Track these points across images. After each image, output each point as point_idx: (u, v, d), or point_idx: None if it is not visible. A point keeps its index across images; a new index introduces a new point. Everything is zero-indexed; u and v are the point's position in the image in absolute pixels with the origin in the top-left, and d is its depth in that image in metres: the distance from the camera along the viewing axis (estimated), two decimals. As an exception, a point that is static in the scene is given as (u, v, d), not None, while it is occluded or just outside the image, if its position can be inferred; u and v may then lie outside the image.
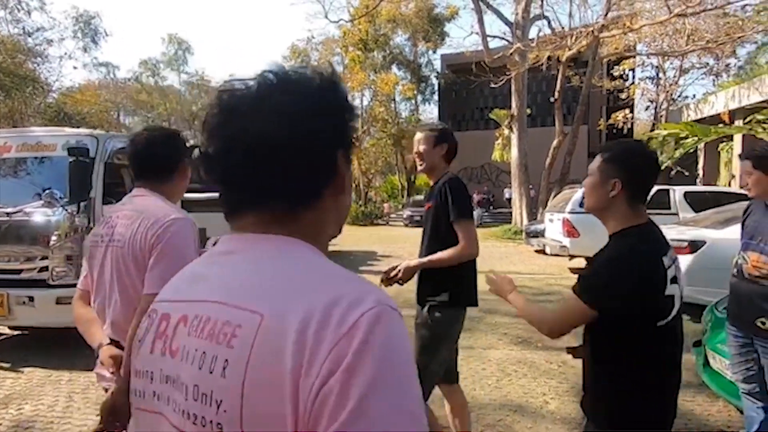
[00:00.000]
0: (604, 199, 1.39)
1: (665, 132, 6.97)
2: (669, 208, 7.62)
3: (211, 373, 0.52)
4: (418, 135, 2.20)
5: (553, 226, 8.62)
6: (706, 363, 3.28)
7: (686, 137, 6.81)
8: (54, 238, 4.42)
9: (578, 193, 8.00)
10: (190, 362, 0.55)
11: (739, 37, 16.28)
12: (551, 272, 8.50)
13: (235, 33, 71.10)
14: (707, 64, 26.41)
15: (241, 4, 67.96)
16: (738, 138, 15.82)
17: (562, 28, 13.52)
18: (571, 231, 7.75)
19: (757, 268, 2.24)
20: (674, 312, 1.37)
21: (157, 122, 31.89)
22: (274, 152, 0.56)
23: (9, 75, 16.95)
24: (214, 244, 0.67)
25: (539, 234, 10.59)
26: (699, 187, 10.66)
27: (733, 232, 5.26)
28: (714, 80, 27.64)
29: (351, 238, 12.90)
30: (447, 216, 2.05)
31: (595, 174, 1.42)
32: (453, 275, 2.06)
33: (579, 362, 1.48)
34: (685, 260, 5.28)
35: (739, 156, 2.45)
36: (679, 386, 1.44)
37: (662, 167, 7.64)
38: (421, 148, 2.16)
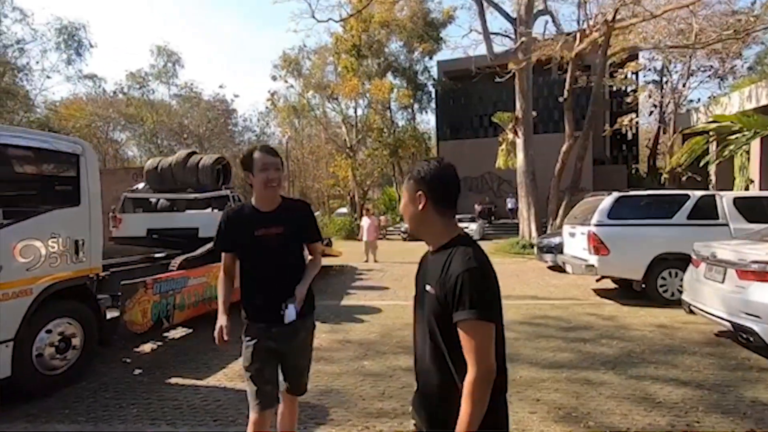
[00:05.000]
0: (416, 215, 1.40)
1: (714, 125, 5.69)
2: (717, 217, 6.33)
3: None
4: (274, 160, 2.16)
5: (574, 241, 7.31)
6: None
7: (739, 130, 5.52)
8: None
9: (606, 201, 6.71)
10: None
11: (746, 34, 15.16)
12: (573, 296, 7.18)
13: (223, 41, 70.48)
14: (712, 66, 25.53)
15: (226, 11, 67.40)
16: (756, 142, 14.69)
17: (578, 21, 12.37)
18: (598, 247, 6.45)
19: None
20: None
21: (145, 136, 30.71)
22: None
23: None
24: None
25: (554, 249, 9.29)
26: (749, 193, 9.40)
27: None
28: (719, 83, 26.74)
29: (350, 254, 11.44)
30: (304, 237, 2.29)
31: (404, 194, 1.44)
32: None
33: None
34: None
35: None
36: None
37: (708, 166, 6.42)
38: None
